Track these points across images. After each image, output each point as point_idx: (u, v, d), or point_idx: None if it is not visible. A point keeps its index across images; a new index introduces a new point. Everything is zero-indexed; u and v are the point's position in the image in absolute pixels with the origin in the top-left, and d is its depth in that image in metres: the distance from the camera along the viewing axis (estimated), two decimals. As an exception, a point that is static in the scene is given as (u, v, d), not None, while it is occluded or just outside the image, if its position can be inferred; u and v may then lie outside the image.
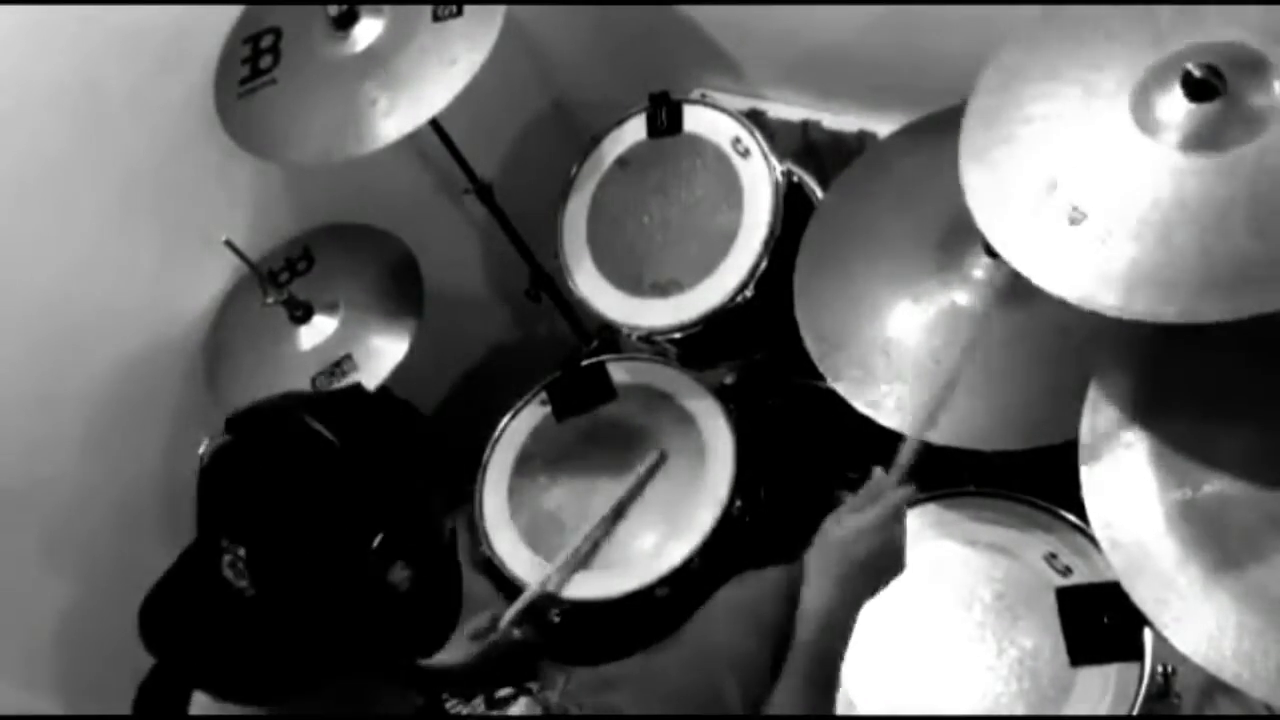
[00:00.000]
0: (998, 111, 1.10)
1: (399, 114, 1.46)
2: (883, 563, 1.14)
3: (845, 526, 1.15)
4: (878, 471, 1.22)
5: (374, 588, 0.92)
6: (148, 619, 0.93)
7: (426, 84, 1.47)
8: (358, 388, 1.08)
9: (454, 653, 1.48)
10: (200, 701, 0.95)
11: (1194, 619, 0.96)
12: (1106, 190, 1.00)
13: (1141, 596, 0.98)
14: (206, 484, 0.93)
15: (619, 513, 1.59)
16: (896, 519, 1.14)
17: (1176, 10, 1.03)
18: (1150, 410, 1.05)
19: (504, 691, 1.14)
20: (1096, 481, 1.05)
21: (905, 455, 1.16)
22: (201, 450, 0.94)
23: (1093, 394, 1.08)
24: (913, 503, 1.38)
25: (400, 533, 0.93)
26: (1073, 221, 1.00)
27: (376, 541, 0.91)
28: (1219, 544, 0.98)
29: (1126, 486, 1.04)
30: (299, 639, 0.90)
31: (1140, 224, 0.96)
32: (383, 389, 1.52)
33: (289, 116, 1.55)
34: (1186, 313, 0.92)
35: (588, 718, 1.07)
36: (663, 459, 1.62)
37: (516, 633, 1.54)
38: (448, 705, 1.08)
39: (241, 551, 0.88)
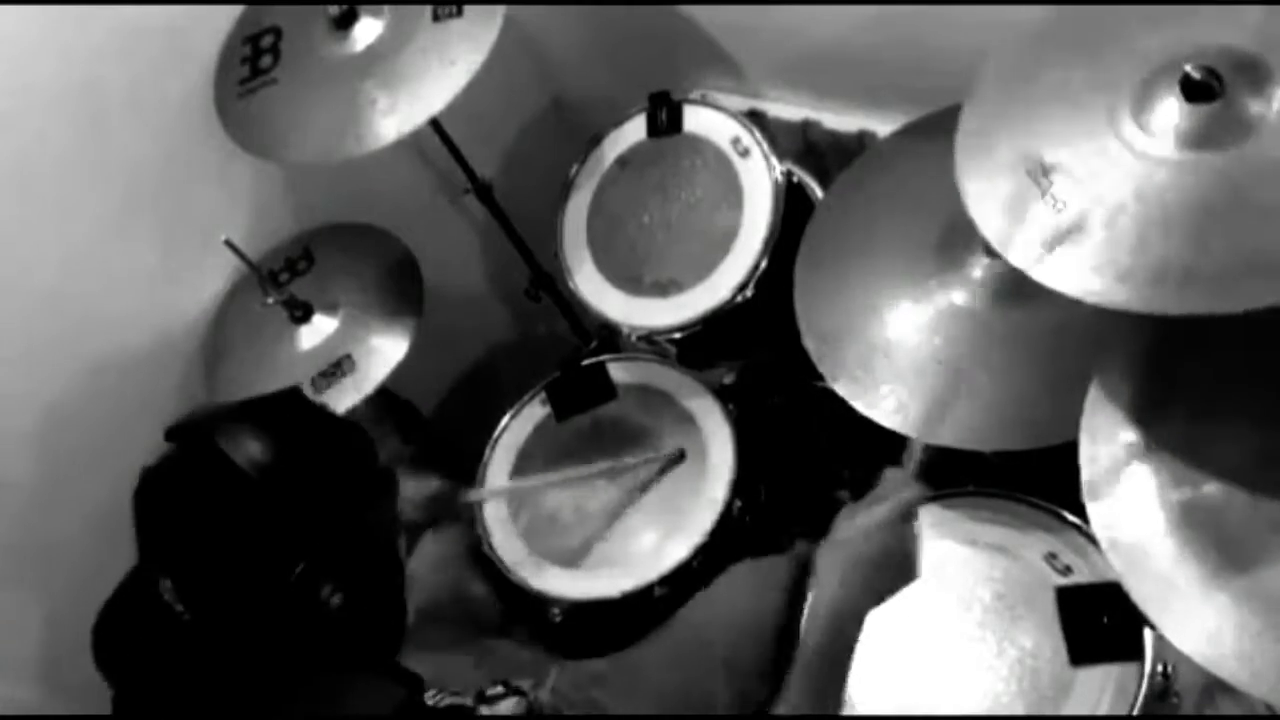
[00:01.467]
0: (995, 113, 1.10)
1: (399, 114, 1.47)
2: (893, 562, 1.13)
3: (856, 525, 1.15)
4: (889, 470, 1.22)
5: (304, 610, 0.93)
6: (99, 642, 0.94)
7: (426, 84, 1.47)
8: (294, 393, 1.06)
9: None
10: None
11: (1194, 619, 0.95)
12: (1106, 189, 1.00)
13: (1141, 596, 0.98)
14: (138, 511, 0.94)
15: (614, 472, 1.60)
16: (905, 519, 1.14)
17: (1176, 10, 1.03)
18: (1150, 410, 1.05)
19: (494, 690, 1.14)
20: (1096, 481, 1.05)
21: (914, 453, 1.16)
22: (144, 466, 0.95)
23: (1093, 394, 1.08)
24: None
25: (324, 557, 0.93)
26: (1043, 191, 1.01)
27: (298, 570, 0.92)
28: (1219, 544, 0.97)
29: (1126, 486, 1.03)
30: (239, 661, 0.91)
31: (1135, 220, 0.96)
32: (383, 390, 1.52)
33: (289, 116, 1.55)
34: (1179, 304, 0.92)
35: (575, 718, 1.06)
36: (681, 458, 1.61)
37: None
38: (429, 698, 1.08)
39: (168, 582, 0.89)
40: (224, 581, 0.91)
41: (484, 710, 1.09)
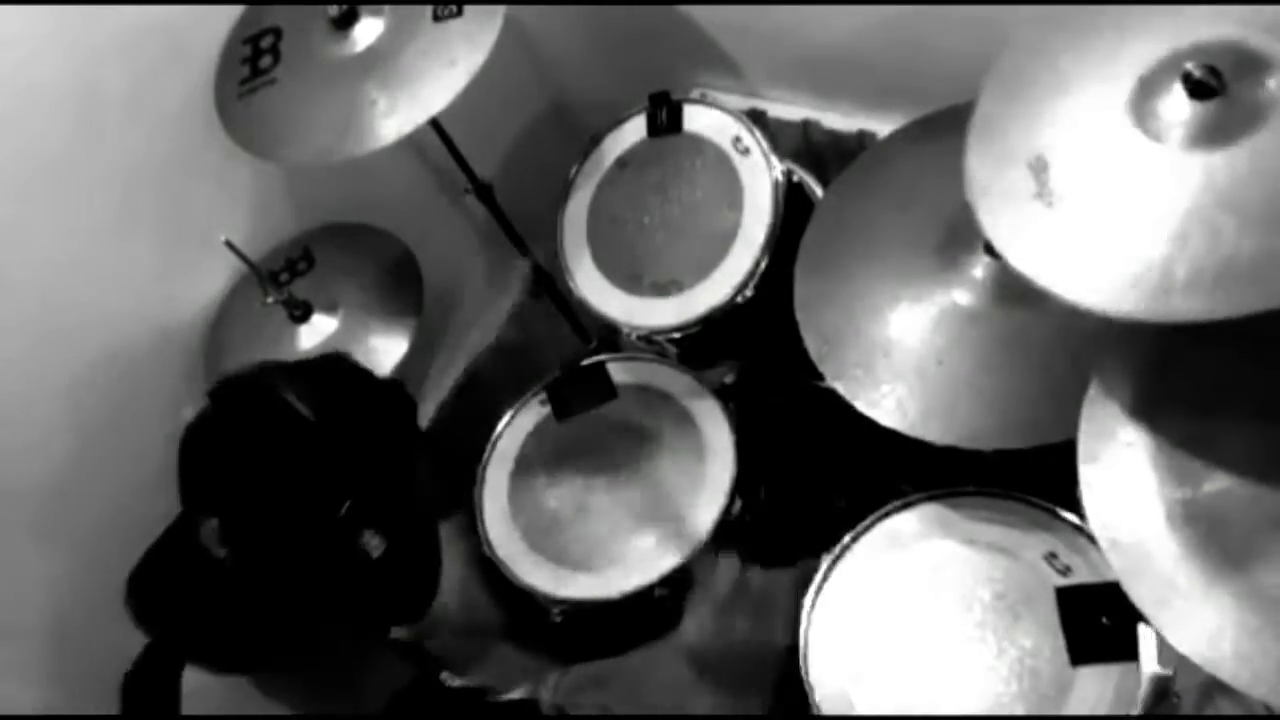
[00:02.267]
0: (1002, 115, 1.10)
1: (399, 114, 1.46)
2: None
3: None
4: None
5: (345, 554, 0.94)
6: (135, 590, 0.95)
7: (426, 84, 1.47)
8: (338, 356, 1.10)
9: None
10: (190, 684, 0.97)
11: (1193, 618, 0.95)
12: (1104, 188, 1.00)
13: (1141, 596, 0.98)
14: (184, 457, 0.96)
15: None
16: None
17: (1176, 10, 1.03)
18: (1150, 409, 1.05)
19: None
20: (1096, 481, 1.05)
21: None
22: (184, 419, 0.96)
23: (1093, 393, 1.08)
24: (912, 503, 1.39)
25: (369, 500, 0.95)
26: (1035, 175, 1.01)
27: (344, 509, 0.93)
28: (1219, 543, 0.97)
29: (1126, 486, 1.03)
30: (277, 606, 0.92)
31: (1136, 220, 0.96)
32: (393, 380, 1.52)
33: (289, 116, 1.55)
34: (1183, 311, 0.92)
35: (579, 718, 1.07)
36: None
37: None
38: (444, 679, 1.08)
39: (215, 522, 0.90)
40: (271, 519, 0.92)
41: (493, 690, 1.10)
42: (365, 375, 1.07)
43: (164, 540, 0.95)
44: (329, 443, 0.95)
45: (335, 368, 1.08)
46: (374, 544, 0.95)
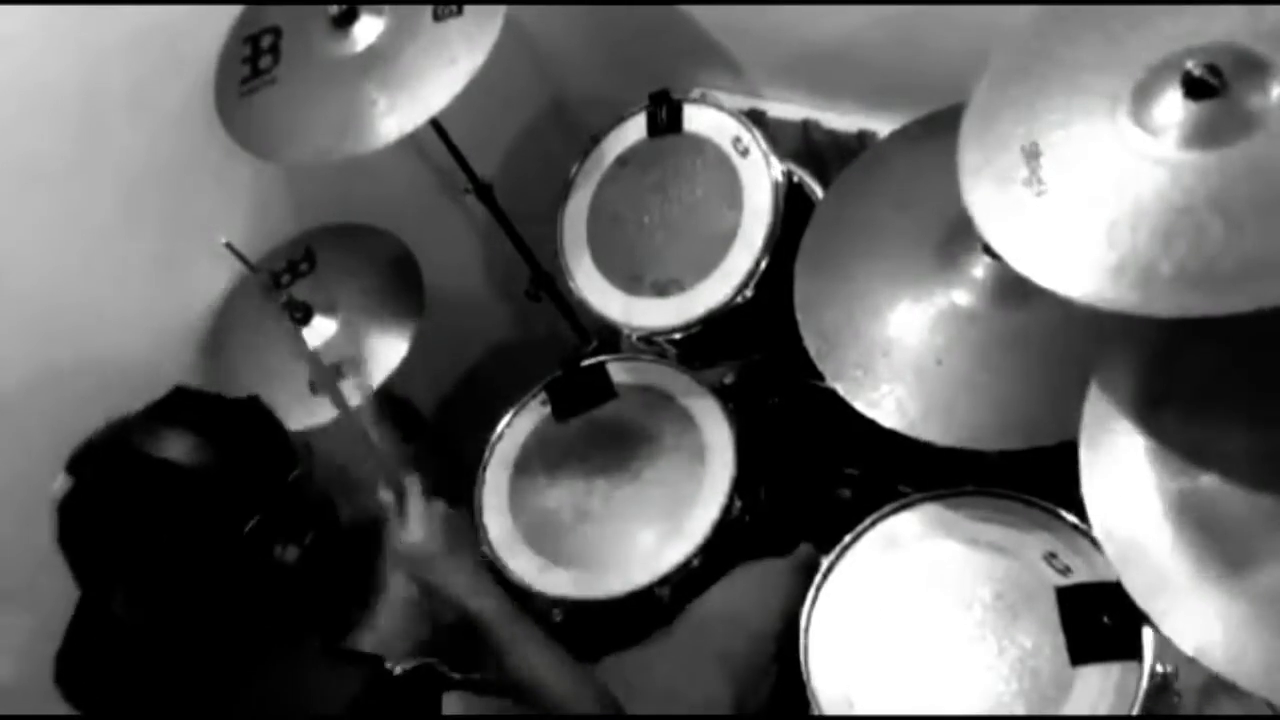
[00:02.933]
0: (996, 112, 1.10)
1: (399, 114, 1.46)
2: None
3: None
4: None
5: (262, 568, 0.95)
6: (62, 671, 0.96)
7: (426, 84, 1.47)
8: (178, 390, 1.10)
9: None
10: None
11: (1186, 610, 0.96)
12: (1094, 179, 1.00)
13: (1135, 587, 0.99)
14: (65, 537, 0.95)
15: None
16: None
17: (1176, 10, 1.03)
18: (1150, 404, 1.06)
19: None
20: (1095, 472, 1.06)
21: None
22: (53, 495, 0.96)
23: (1094, 387, 1.09)
24: (912, 503, 1.39)
25: (269, 514, 0.96)
26: (1027, 160, 1.02)
27: (250, 525, 0.94)
28: (1214, 538, 0.98)
29: (1124, 478, 1.04)
30: (204, 651, 0.93)
31: (1134, 218, 0.96)
32: (383, 390, 1.52)
33: (289, 116, 1.55)
34: (1164, 307, 0.93)
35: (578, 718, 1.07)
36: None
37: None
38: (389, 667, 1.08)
39: (120, 595, 0.91)
40: (180, 563, 0.92)
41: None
42: (210, 396, 1.08)
43: (79, 617, 0.95)
44: (211, 475, 0.95)
45: (183, 399, 1.07)
46: (288, 553, 0.96)
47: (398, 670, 1.05)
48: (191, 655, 0.94)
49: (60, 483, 0.97)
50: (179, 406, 1.05)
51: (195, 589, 0.92)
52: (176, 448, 0.97)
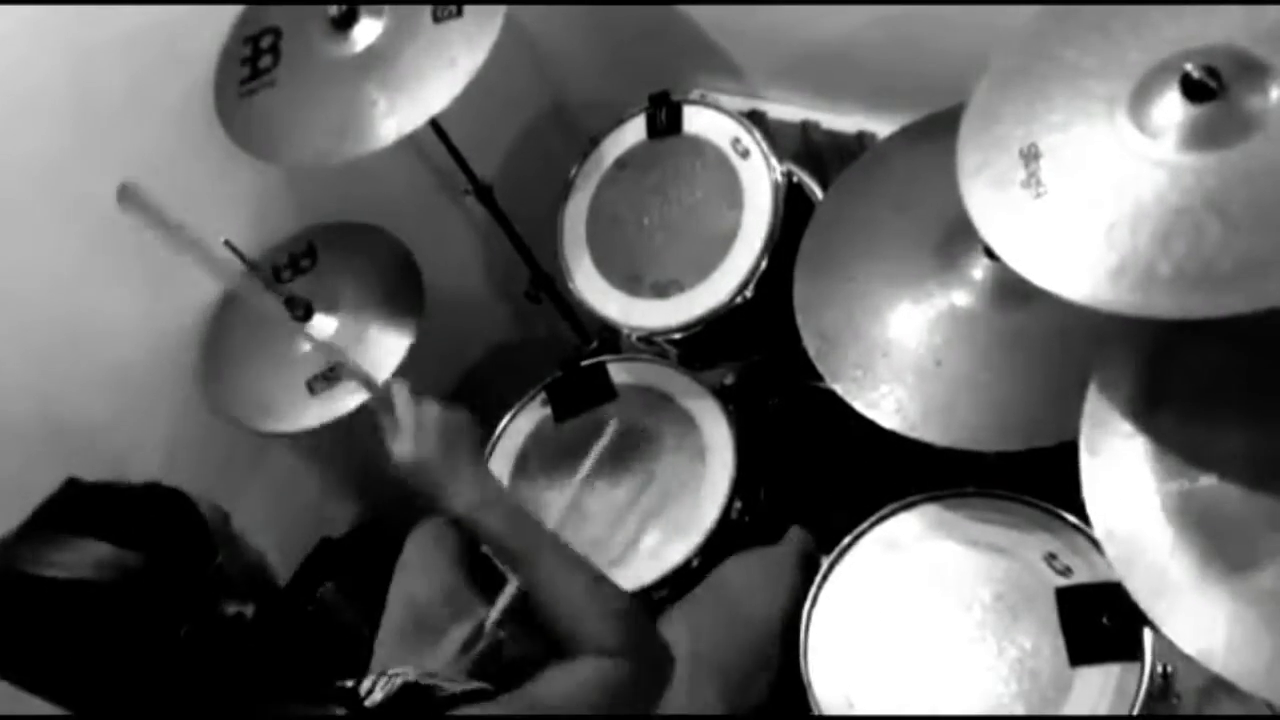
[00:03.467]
0: (995, 113, 1.10)
1: (399, 115, 1.46)
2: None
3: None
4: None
5: (221, 639, 0.90)
6: None
7: (426, 84, 1.47)
8: (70, 483, 0.97)
9: (448, 668, 1.42)
10: None
11: (1186, 610, 0.96)
12: (1093, 180, 1.00)
13: (1135, 587, 0.99)
14: None
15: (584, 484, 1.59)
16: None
17: (1175, 12, 1.03)
18: (1149, 406, 1.06)
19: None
20: (1095, 471, 1.06)
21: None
22: None
23: (1094, 387, 1.09)
24: (912, 503, 1.39)
25: (206, 587, 0.90)
26: (1026, 163, 1.02)
27: (184, 631, 0.88)
28: (1214, 538, 0.98)
29: (1123, 479, 1.04)
30: None
31: (1133, 220, 0.96)
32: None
33: (289, 117, 1.55)
34: (1162, 308, 0.93)
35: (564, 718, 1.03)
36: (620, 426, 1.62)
37: (502, 634, 1.47)
38: (376, 682, 1.03)
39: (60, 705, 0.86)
40: (121, 677, 0.87)
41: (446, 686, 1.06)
42: (112, 491, 0.95)
43: None
44: (127, 585, 0.87)
45: (77, 501, 0.95)
46: (243, 611, 0.91)
47: (378, 696, 1.00)
48: None
49: None
50: (73, 507, 0.93)
51: (137, 696, 0.87)
52: (59, 557, 0.87)
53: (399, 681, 1.03)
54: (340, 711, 0.98)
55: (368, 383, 1.23)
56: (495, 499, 1.12)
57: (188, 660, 0.89)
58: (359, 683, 1.03)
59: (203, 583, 0.91)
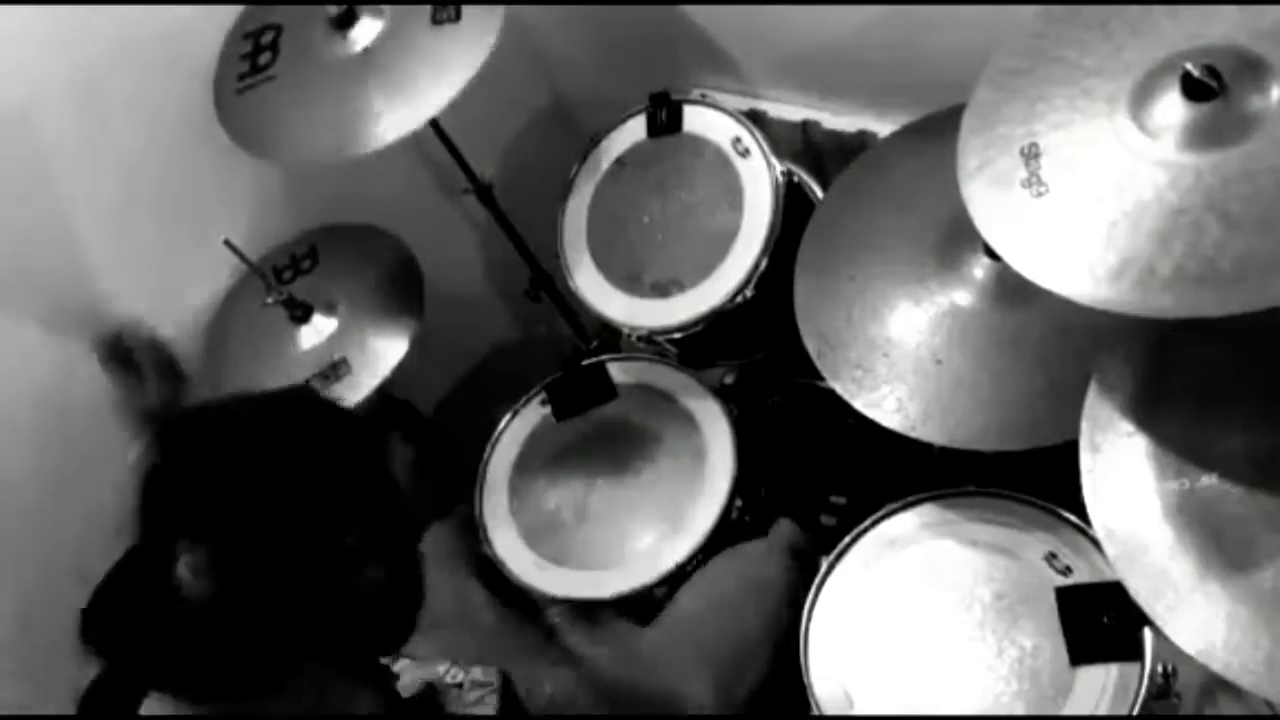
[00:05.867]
0: (996, 113, 1.10)
1: (398, 114, 1.46)
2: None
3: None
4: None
5: (346, 586, 0.88)
6: (92, 622, 0.88)
7: (425, 85, 1.46)
8: (305, 387, 1.03)
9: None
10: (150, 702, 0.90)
11: (1187, 608, 0.96)
12: (1093, 180, 1.00)
13: (1135, 585, 0.99)
14: (157, 482, 0.88)
15: None
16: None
17: (1175, 11, 1.03)
18: (1151, 403, 1.06)
19: (476, 674, 1.10)
20: (1096, 470, 1.06)
21: None
22: (143, 448, 0.89)
23: (1095, 385, 1.09)
24: (912, 503, 1.39)
25: (375, 530, 0.90)
26: (1026, 162, 1.02)
27: (350, 539, 0.88)
28: (1213, 536, 0.99)
29: (1124, 478, 1.04)
30: (259, 638, 0.86)
31: (1133, 219, 0.96)
32: (382, 390, 1.50)
33: (287, 116, 1.54)
34: (1162, 307, 0.93)
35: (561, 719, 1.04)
36: None
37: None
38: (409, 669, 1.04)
39: (203, 552, 0.83)
40: (272, 551, 0.85)
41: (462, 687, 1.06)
42: (336, 409, 1.00)
43: (120, 575, 0.88)
44: (326, 469, 0.89)
45: (304, 399, 1.01)
46: (375, 576, 0.89)
47: (406, 680, 1.01)
48: (244, 641, 0.86)
49: (154, 439, 0.90)
50: (299, 401, 0.99)
51: (271, 579, 0.85)
52: (325, 419, 0.92)
53: (420, 678, 1.04)
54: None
55: None
56: None
57: (335, 569, 0.88)
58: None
59: (379, 494, 0.93)
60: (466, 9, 1.48)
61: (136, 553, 0.88)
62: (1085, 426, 1.08)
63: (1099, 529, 1.04)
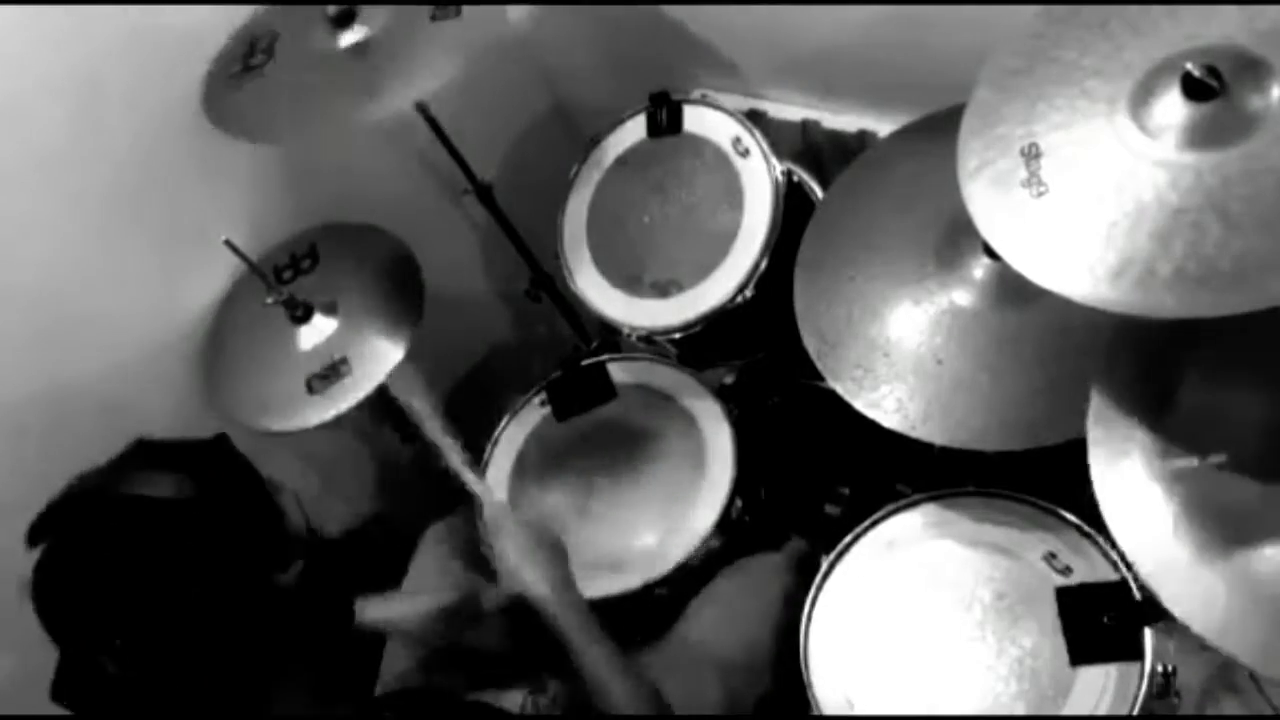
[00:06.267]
0: (996, 113, 1.10)
1: (386, 97, 1.43)
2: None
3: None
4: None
5: (266, 601, 0.93)
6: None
7: (417, 71, 1.44)
8: (139, 441, 1.04)
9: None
10: None
11: (1188, 587, 0.97)
12: (1094, 179, 1.00)
13: (1139, 564, 1.00)
14: (45, 597, 0.91)
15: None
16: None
17: (1175, 11, 1.03)
18: (1149, 404, 1.06)
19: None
20: (1103, 472, 1.06)
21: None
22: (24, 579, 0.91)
23: (1094, 388, 1.09)
24: (912, 503, 1.39)
25: (268, 543, 0.94)
26: (1026, 162, 1.02)
27: (248, 556, 0.92)
28: (1216, 518, 0.99)
29: (1129, 464, 1.04)
30: (215, 683, 0.90)
31: (1134, 219, 0.97)
32: (382, 391, 1.51)
33: (273, 101, 1.52)
34: (1162, 307, 0.93)
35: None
36: None
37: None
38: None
39: (117, 643, 0.87)
40: (182, 601, 0.89)
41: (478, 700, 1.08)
42: (179, 442, 1.02)
43: (59, 686, 0.91)
44: (200, 509, 0.92)
45: (149, 449, 1.02)
46: (289, 576, 0.95)
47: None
48: (190, 702, 0.91)
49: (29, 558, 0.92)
50: (145, 453, 1.00)
51: (194, 636, 0.89)
52: (158, 487, 0.93)
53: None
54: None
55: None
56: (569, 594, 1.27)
57: (247, 588, 0.92)
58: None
59: (265, 517, 0.97)
60: (466, 6, 1.48)
61: (62, 668, 0.90)
62: (1091, 428, 1.08)
63: (1105, 512, 1.04)
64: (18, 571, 1.57)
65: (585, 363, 1.75)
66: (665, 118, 1.72)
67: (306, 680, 0.98)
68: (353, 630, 1.23)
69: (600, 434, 1.69)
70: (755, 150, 1.62)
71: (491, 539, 1.31)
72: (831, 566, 1.39)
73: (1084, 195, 1.00)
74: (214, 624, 0.90)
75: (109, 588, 0.88)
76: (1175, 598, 0.96)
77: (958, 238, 1.33)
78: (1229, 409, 1.03)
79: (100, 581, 0.89)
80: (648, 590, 1.50)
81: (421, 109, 1.64)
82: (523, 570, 1.26)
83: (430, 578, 1.61)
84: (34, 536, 0.92)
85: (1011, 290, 1.27)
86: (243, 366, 1.71)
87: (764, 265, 1.56)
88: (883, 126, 1.70)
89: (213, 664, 0.90)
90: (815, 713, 1.31)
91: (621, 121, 1.77)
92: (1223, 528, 0.98)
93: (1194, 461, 1.01)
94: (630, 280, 1.68)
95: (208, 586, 0.90)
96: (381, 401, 1.65)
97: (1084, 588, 1.26)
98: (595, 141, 1.78)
